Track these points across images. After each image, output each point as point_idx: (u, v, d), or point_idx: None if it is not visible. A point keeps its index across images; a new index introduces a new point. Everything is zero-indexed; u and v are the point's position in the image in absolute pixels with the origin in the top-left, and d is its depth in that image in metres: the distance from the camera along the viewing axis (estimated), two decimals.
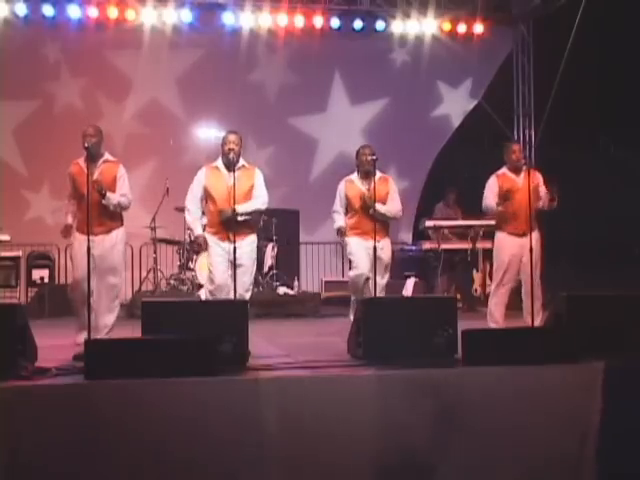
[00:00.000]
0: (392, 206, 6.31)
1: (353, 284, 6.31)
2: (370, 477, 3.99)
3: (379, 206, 6.14)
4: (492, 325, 6.36)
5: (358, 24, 11.53)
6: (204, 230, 5.91)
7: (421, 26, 11.68)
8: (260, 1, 11.13)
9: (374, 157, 6.03)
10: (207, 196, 5.76)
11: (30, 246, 9.91)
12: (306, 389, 4.04)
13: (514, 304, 6.50)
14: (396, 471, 4.00)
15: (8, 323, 4.18)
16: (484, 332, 4.79)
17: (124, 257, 6.12)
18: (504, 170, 6.53)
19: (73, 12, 10.67)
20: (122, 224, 5.81)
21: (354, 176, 6.36)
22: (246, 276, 5.70)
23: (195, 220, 5.86)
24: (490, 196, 6.51)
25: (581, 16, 10.71)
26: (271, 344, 5.88)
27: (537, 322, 5.82)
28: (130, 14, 10.85)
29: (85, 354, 3.98)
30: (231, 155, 5.64)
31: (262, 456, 3.86)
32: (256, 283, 7.91)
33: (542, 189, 6.45)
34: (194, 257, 9.10)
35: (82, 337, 5.11)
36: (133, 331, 4.94)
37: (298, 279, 10.39)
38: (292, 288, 9.73)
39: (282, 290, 9.48)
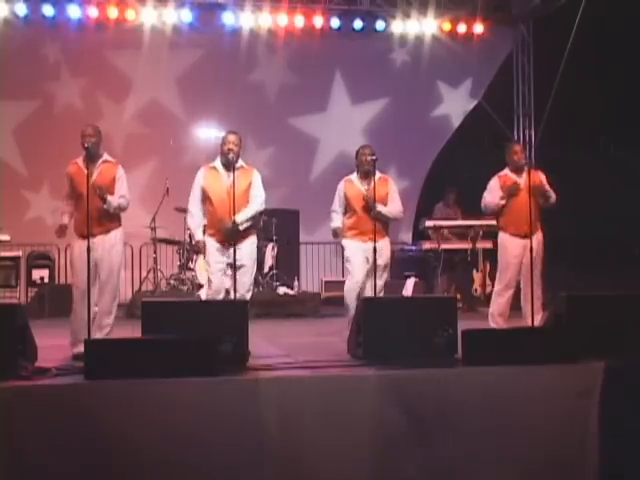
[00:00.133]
0: (393, 207, 6.27)
1: (348, 294, 6.16)
2: (370, 476, 3.99)
3: (380, 207, 6.12)
4: (493, 325, 6.36)
5: (358, 24, 11.53)
6: (204, 232, 5.89)
7: (421, 26, 11.69)
8: (260, 1, 11.13)
9: (374, 157, 6.00)
10: (205, 197, 5.74)
11: (30, 246, 9.92)
12: (306, 389, 4.04)
13: (514, 304, 6.49)
14: (396, 471, 4.01)
15: (8, 323, 4.19)
16: (484, 332, 4.79)
17: (123, 257, 6.11)
18: (506, 171, 6.52)
19: (73, 12, 10.68)
20: (120, 224, 5.80)
21: (353, 176, 6.34)
22: (247, 276, 5.68)
23: (197, 226, 5.83)
24: (490, 196, 6.51)
25: (581, 16, 10.72)
26: (271, 344, 5.88)
27: (537, 322, 5.82)
28: (130, 14, 10.85)
29: (85, 354, 3.99)
30: (230, 155, 5.62)
31: (262, 456, 3.86)
32: (256, 283, 7.90)
33: (546, 188, 6.43)
34: (194, 257, 9.10)
35: (77, 350, 5.10)
36: (133, 331, 4.93)
37: (298, 279, 10.39)
38: (292, 288, 9.73)
39: (282, 290, 9.48)
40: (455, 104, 12.34)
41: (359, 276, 6.12)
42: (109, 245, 5.65)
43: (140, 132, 11.18)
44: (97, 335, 5.38)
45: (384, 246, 6.15)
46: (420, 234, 10.50)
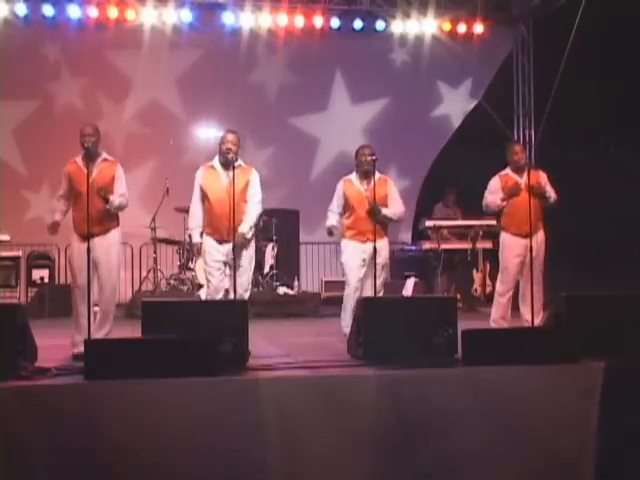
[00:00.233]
0: (396, 208, 6.24)
1: (346, 300, 6.16)
2: (370, 476, 3.99)
3: (385, 211, 6.10)
4: (493, 325, 6.35)
5: (358, 24, 11.54)
6: (203, 231, 5.88)
7: (421, 26, 11.69)
8: (260, 1, 11.14)
9: (374, 157, 5.99)
10: (203, 195, 5.74)
11: (30, 246, 9.91)
12: (306, 389, 4.04)
13: (514, 304, 6.49)
14: (396, 471, 4.01)
15: (8, 323, 4.19)
16: (484, 332, 4.78)
17: (122, 257, 6.11)
18: (507, 171, 6.52)
19: (73, 12, 10.69)
20: (118, 224, 5.80)
21: (353, 176, 6.32)
22: (244, 276, 5.68)
23: (194, 228, 5.83)
24: (491, 197, 6.50)
25: (581, 16, 10.72)
26: (271, 344, 5.88)
27: (537, 322, 5.81)
28: (130, 14, 10.86)
29: (85, 354, 3.98)
30: (230, 155, 5.62)
31: (262, 456, 3.86)
32: (256, 283, 7.92)
33: (546, 188, 6.43)
34: (194, 257, 9.09)
35: (77, 350, 5.11)
36: (133, 331, 4.94)
37: (298, 279, 10.39)
38: (292, 288, 9.73)
39: (282, 290, 9.48)
40: (455, 104, 12.35)
41: (355, 283, 6.12)
42: (108, 245, 5.65)
43: (140, 132, 11.19)
44: (97, 335, 5.38)
45: (383, 246, 6.13)
46: (420, 234, 10.50)
